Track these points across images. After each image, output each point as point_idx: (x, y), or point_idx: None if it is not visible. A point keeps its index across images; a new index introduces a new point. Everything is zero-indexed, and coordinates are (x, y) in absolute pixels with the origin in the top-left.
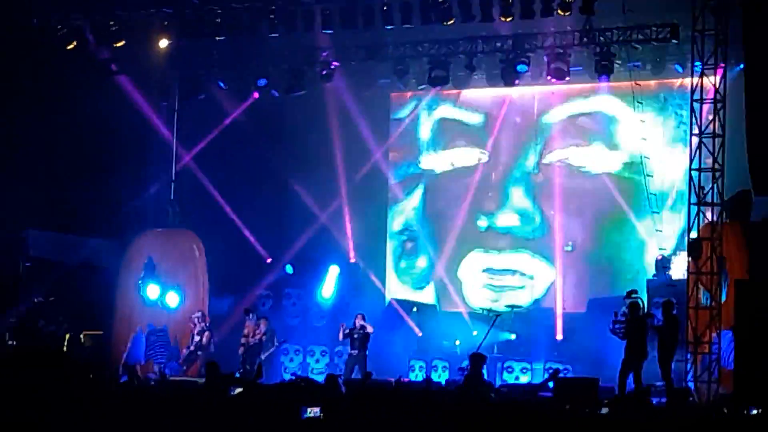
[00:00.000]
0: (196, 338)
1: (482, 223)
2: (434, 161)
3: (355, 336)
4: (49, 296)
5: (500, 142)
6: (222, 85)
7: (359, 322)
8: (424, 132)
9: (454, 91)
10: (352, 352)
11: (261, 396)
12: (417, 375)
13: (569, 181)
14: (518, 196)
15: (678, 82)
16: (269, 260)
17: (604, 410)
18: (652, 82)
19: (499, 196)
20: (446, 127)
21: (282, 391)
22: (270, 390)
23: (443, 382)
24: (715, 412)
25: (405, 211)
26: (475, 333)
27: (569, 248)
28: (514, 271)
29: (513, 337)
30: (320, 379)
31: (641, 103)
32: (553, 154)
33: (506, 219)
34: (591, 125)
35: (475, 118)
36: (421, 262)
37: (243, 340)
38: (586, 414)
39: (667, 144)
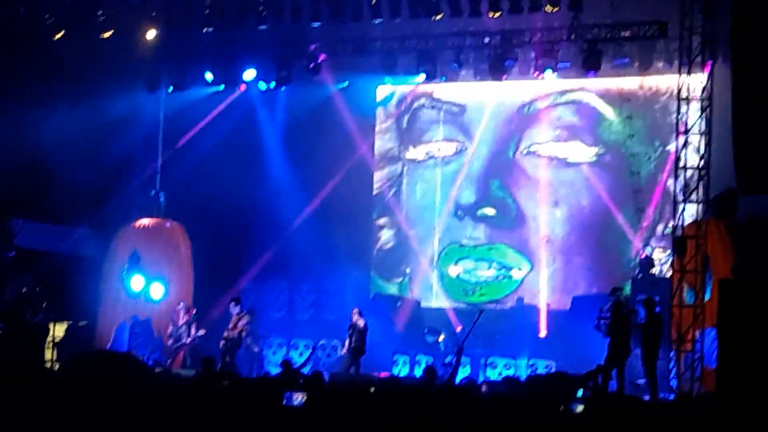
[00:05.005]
0: (193, 330)
1: (460, 213)
2: (414, 152)
3: (350, 332)
4: (35, 286)
5: (480, 133)
6: (210, 76)
7: (354, 317)
8: (405, 122)
9: (436, 83)
10: (353, 345)
11: (248, 389)
12: (400, 370)
13: (549, 173)
14: (497, 188)
15: (662, 78)
16: None
17: (579, 407)
18: (636, 78)
19: (477, 188)
20: (426, 117)
21: (269, 383)
22: (257, 382)
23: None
24: (698, 411)
25: (384, 201)
26: (459, 329)
27: (547, 242)
28: (490, 264)
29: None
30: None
31: (629, 100)
32: (533, 147)
33: (484, 210)
34: (572, 119)
35: (455, 109)
36: (398, 253)
37: (226, 334)
38: (559, 412)
39: (648, 140)
